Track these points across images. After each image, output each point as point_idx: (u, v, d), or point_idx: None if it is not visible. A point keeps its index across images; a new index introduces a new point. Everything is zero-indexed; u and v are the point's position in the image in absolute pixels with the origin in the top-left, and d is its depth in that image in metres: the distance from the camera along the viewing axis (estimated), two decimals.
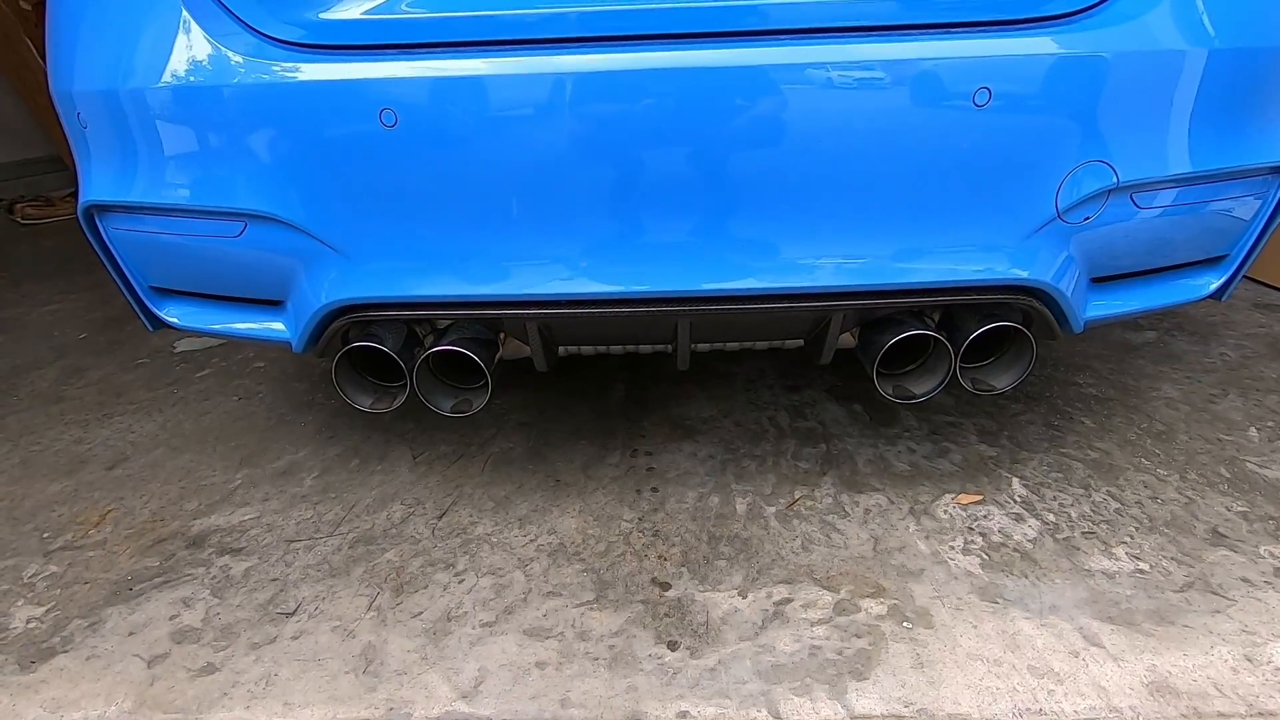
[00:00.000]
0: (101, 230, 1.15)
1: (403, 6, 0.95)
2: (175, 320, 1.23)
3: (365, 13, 0.95)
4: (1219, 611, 1.04)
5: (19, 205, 3.85)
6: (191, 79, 0.97)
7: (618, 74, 0.92)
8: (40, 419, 1.74)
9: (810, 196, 0.96)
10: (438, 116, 0.94)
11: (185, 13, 0.98)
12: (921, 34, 0.92)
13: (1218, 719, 0.89)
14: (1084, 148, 0.96)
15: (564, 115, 0.94)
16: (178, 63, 0.97)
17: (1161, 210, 1.05)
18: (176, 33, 0.98)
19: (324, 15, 0.95)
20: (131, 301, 1.22)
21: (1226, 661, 0.96)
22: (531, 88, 0.93)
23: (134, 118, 1.01)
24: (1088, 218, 1.01)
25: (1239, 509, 1.24)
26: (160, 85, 0.98)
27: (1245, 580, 1.09)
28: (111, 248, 1.16)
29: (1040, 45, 0.92)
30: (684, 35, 0.93)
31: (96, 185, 1.09)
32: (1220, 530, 1.19)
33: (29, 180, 4.36)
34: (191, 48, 0.97)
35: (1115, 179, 0.98)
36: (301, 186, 0.98)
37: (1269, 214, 1.14)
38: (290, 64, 0.94)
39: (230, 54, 0.96)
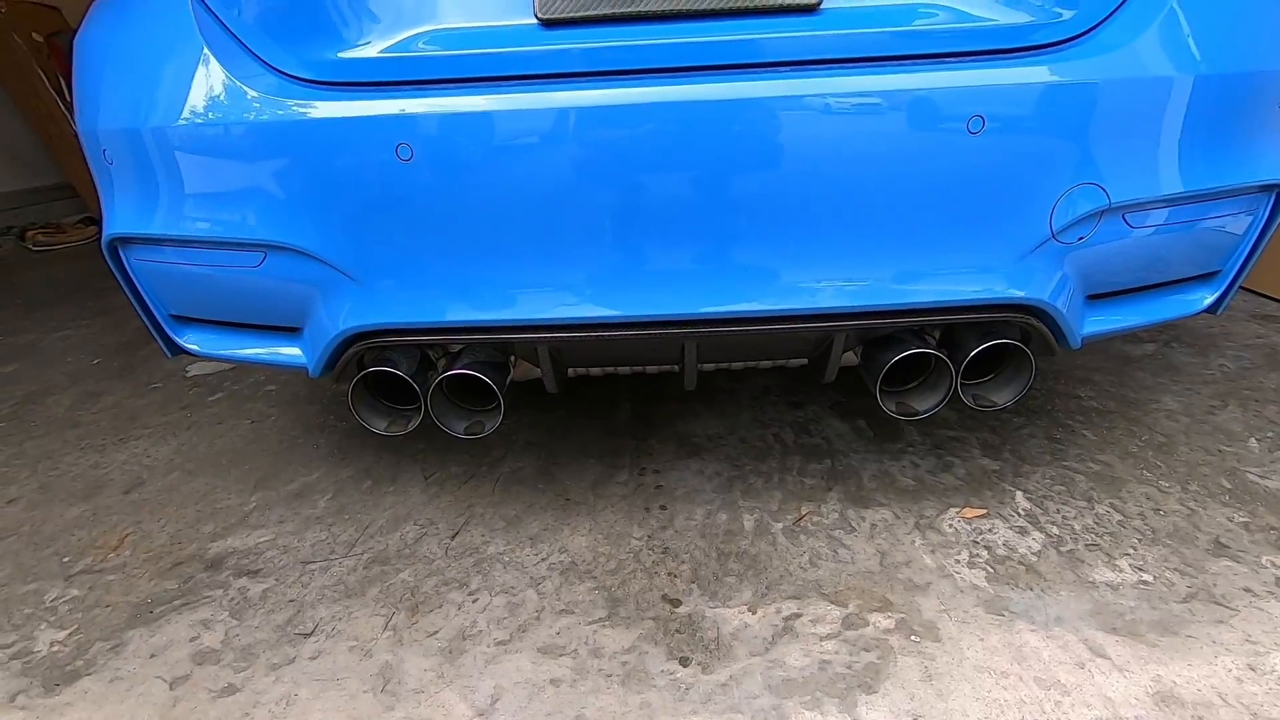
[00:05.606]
0: (124, 261, 1.18)
1: (418, 45, 0.98)
2: (195, 347, 1.26)
3: (382, 51, 0.98)
4: (1222, 622, 1.05)
5: (30, 232, 3.92)
6: (213, 116, 1.01)
7: (622, 108, 0.95)
8: (57, 444, 1.77)
9: (811, 223, 0.99)
10: (451, 149, 0.97)
11: (207, 52, 1.02)
12: (916, 65, 0.95)
13: None
14: (1076, 171, 0.99)
15: (572, 147, 0.97)
16: (200, 101, 1.01)
17: (1154, 229, 1.08)
18: (198, 72, 1.02)
19: (342, 54, 0.99)
20: (151, 329, 1.26)
21: (1231, 671, 0.98)
22: (540, 121, 0.96)
23: (158, 154, 1.05)
24: (1082, 237, 1.04)
25: (1240, 520, 1.25)
26: (183, 123, 1.02)
27: (1248, 590, 1.11)
28: (134, 278, 1.20)
29: (1031, 74, 0.95)
30: (685, 69, 0.96)
31: (120, 218, 1.13)
32: (1222, 541, 1.21)
33: (40, 207, 4.43)
34: (213, 87, 1.01)
35: (1107, 200, 1.01)
36: (320, 218, 1.02)
37: (1260, 230, 1.17)
38: (309, 101, 0.98)
39: (251, 92, 1.00)
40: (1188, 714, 0.92)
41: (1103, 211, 1.02)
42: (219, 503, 1.49)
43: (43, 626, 1.19)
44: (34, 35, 3.91)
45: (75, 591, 1.27)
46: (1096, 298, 1.16)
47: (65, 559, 1.35)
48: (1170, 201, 1.06)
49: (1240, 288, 1.23)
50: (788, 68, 0.96)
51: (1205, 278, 1.22)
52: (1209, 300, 1.22)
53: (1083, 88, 0.96)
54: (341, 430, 1.74)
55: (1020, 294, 1.04)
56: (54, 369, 2.24)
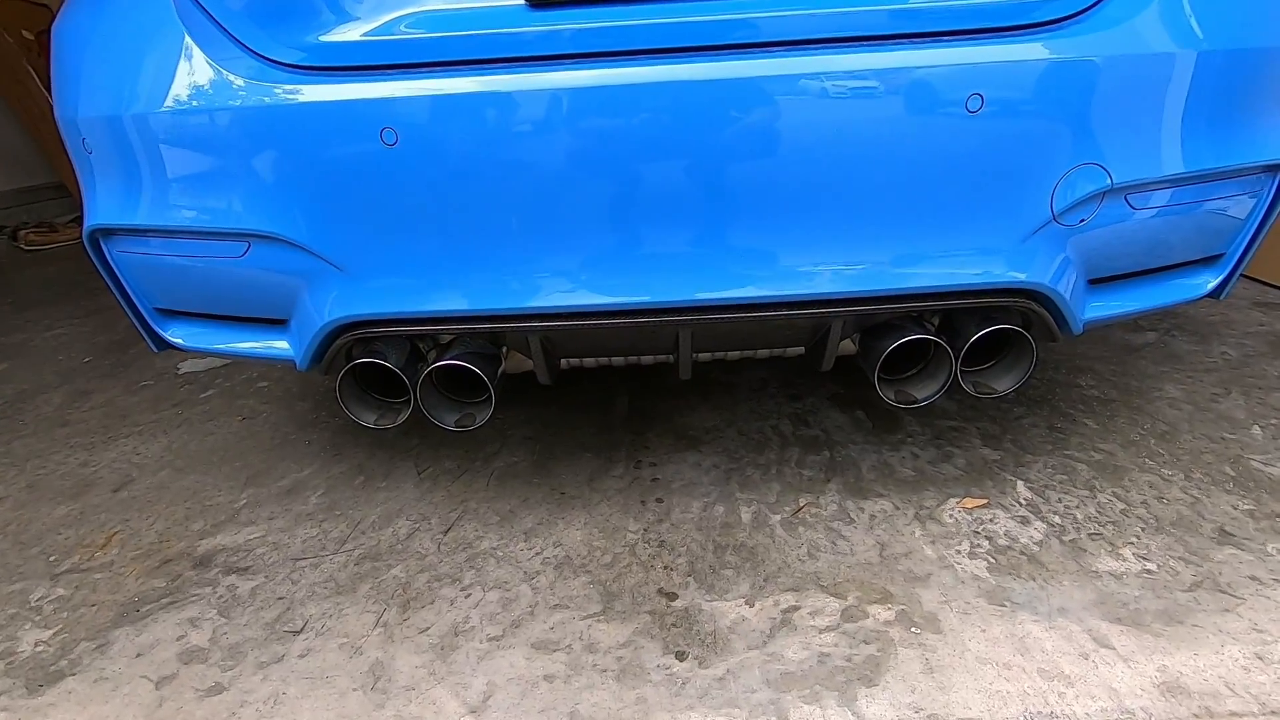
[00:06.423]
0: (106, 253, 1.16)
1: (401, 27, 0.96)
2: (180, 341, 1.24)
3: (365, 34, 0.96)
4: (1228, 610, 1.04)
5: (23, 232, 3.89)
6: (194, 103, 0.98)
7: (612, 89, 0.93)
8: (46, 443, 1.75)
9: (807, 205, 0.97)
10: (437, 134, 0.95)
11: (188, 38, 0.99)
12: (913, 43, 0.93)
13: (1230, 718, 0.89)
14: (1077, 151, 0.97)
15: (561, 130, 0.95)
16: (181, 87, 0.99)
17: (1156, 211, 1.06)
18: (179, 58, 0.99)
19: (324, 38, 0.97)
20: (136, 323, 1.23)
21: (1238, 660, 0.96)
22: (528, 104, 0.94)
23: (138, 142, 1.02)
24: (1083, 220, 1.02)
25: (1245, 507, 1.23)
26: (163, 109, 0.99)
27: (1254, 579, 1.09)
28: (116, 270, 1.17)
29: (1030, 51, 0.93)
30: (678, 49, 0.94)
31: (101, 209, 1.10)
32: (1227, 529, 1.19)
33: (32, 207, 4.40)
34: (194, 72, 0.99)
35: (1109, 181, 0.99)
36: (304, 206, 0.99)
37: (1264, 212, 1.15)
38: (292, 86, 0.96)
39: (232, 77, 0.97)
40: (1194, 704, 0.90)
41: (1104, 193, 1.00)
42: (209, 500, 1.47)
43: (27, 626, 1.17)
44: (24, 34, 3.88)
45: (61, 591, 1.24)
46: (1098, 282, 1.14)
47: (52, 558, 1.33)
48: (1173, 182, 1.04)
49: (1243, 273, 1.21)
50: (782, 47, 0.94)
51: (1208, 261, 1.20)
52: (1212, 284, 1.20)
53: (1084, 66, 0.94)
54: (334, 426, 1.72)
55: (1021, 277, 1.02)
56: (45, 368, 2.22)
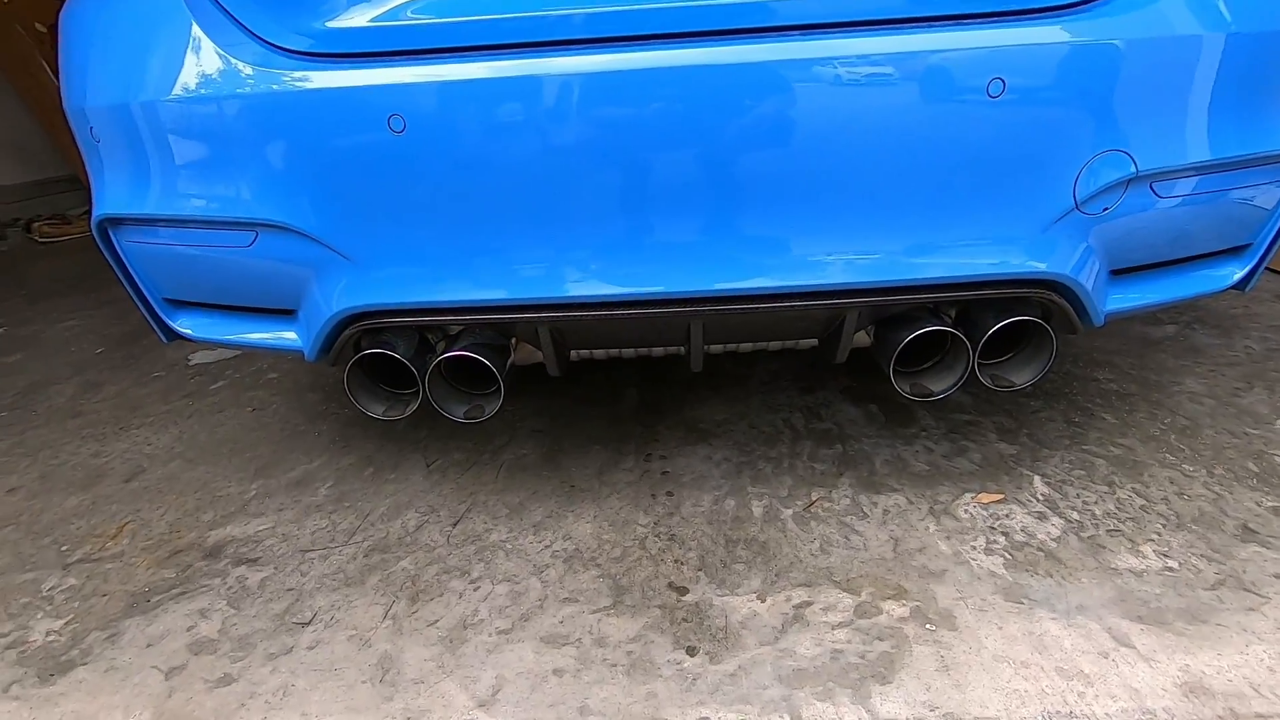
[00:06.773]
0: (115, 243, 1.16)
1: (408, 13, 0.95)
2: (189, 331, 1.23)
3: (372, 20, 0.95)
4: (1253, 609, 1.01)
5: (36, 224, 3.92)
6: (202, 90, 0.97)
7: (624, 74, 0.92)
8: (58, 434, 1.76)
9: (822, 192, 0.95)
10: (445, 121, 0.93)
11: (195, 26, 0.98)
12: (932, 26, 0.91)
13: None
14: (1101, 137, 0.94)
15: (571, 116, 0.93)
16: (188, 75, 0.98)
17: (1182, 199, 1.03)
18: (186, 45, 0.99)
19: (331, 24, 0.95)
20: (145, 313, 1.23)
21: (1263, 660, 0.94)
22: (538, 90, 0.93)
23: (146, 130, 1.02)
24: (1106, 208, 0.99)
25: (1269, 504, 1.21)
26: (171, 97, 0.99)
27: (1278, 577, 1.06)
28: (125, 260, 1.17)
29: (1053, 34, 0.91)
30: (691, 34, 0.92)
31: (110, 198, 1.10)
32: (1250, 526, 1.16)
33: (46, 200, 4.43)
34: (201, 60, 0.98)
35: (1134, 168, 0.96)
36: (311, 194, 0.98)
37: None
38: (299, 72, 0.95)
39: (239, 64, 0.96)
40: (1219, 705, 0.88)
41: (1129, 180, 0.97)
42: (219, 491, 1.47)
43: (39, 616, 1.17)
44: (37, 26, 3.89)
45: (73, 580, 1.25)
46: (1120, 273, 1.11)
47: (64, 548, 1.33)
48: (1199, 170, 1.01)
49: (1268, 266, 1.18)
50: (798, 31, 0.92)
51: (1234, 252, 1.17)
52: (1238, 275, 1.17)
53: (1108, 49, 0.91)
54: (344, 418, 1.71)
55: (1041, 268, 0.99)
56: (57, 359, 2.23)
